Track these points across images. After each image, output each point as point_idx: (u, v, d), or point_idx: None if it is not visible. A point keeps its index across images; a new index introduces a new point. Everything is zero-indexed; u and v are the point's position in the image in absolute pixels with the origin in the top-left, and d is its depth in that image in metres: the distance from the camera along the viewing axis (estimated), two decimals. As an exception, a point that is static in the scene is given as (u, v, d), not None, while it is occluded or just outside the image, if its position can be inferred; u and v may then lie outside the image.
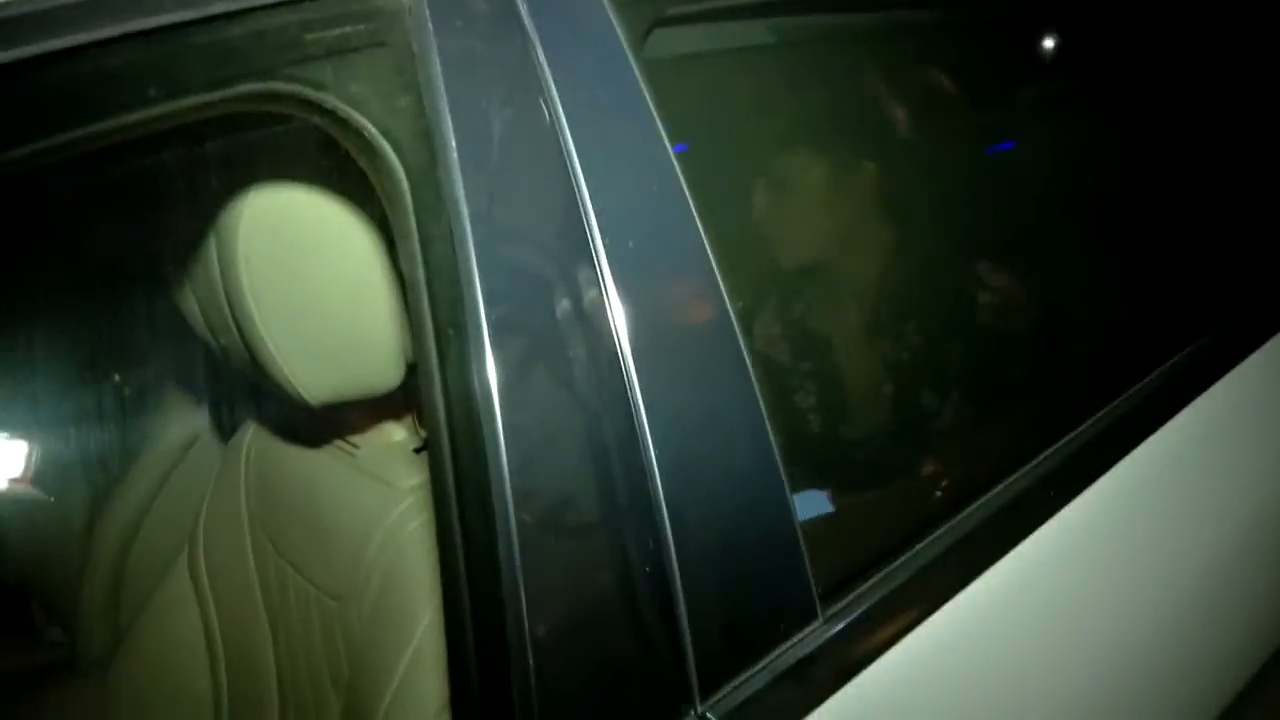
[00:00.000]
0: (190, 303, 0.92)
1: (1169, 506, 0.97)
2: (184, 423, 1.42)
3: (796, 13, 0.87)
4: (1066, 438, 0.94)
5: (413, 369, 0.90)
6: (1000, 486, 0.85)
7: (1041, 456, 0.90)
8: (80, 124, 0.55)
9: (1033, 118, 1.14)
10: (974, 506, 0.83)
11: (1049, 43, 1.19)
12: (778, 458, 0.69)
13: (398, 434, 1.03)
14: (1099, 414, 0.98)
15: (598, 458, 0.63)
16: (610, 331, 0.65)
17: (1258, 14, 1.36)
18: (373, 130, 0.63)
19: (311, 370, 0.84)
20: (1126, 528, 0.91)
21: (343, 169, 0.78)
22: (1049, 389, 1.04)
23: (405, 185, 0.63)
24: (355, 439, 1.03)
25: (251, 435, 1.14)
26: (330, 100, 0.62)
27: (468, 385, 0.60)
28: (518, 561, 0.59)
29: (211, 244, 0.82)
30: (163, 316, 1.33)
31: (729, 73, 0.85)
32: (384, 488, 0.95)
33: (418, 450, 0.99)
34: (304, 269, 0.83)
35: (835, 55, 0.93)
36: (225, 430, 1.32)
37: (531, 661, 0.59)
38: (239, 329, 0.84)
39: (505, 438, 0.60)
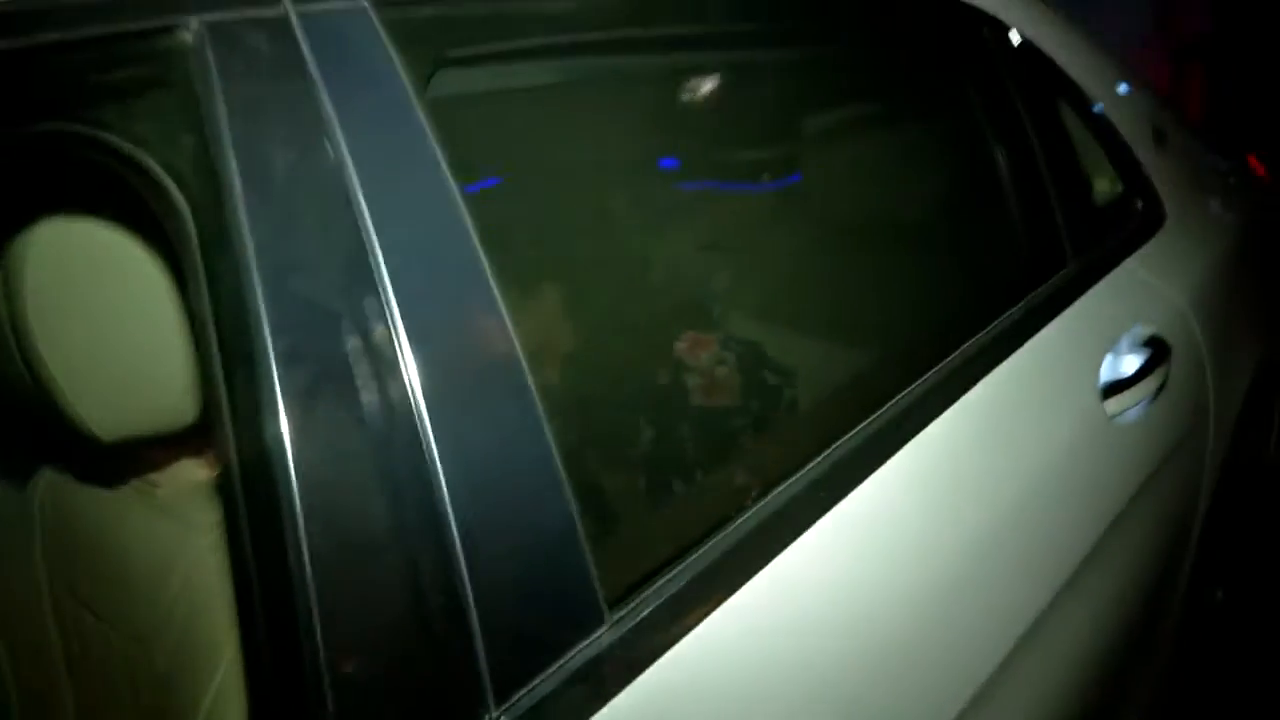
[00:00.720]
0: None
1: (944, 492, 1.07)
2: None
3: (574, 55, 0.93)
4: (852, 430, 1.03)
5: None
6: (775, 491, 0.92)
7: (814, 461, 0.98)
8: None
9: (805, 148, 1.24)
10: (748, 513, 0.90)
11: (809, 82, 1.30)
12: (561, 472, 0.74)
13: (199, 471, 1.02)
14: (886, 404, 1.07)
15: (387, 480, 0.66)
16: (397, 359, 0.68)
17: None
18: (157, 169, 0.65)
19: (102, 405, 0.84)
20: (897, 516, 1.01)
21: (131, 205, 0.78)
22: (823, 395, 1.14)
23: (190, 221, 0.65)
24: (155, 478, 1.02)
25: (46, 479, 1.11)
26: (115, 140, 0.64)
27: (257, 415, 0.62)
28: (311, 586, 0.62)
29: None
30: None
31: (512, 112, 0.90)
32: (184, 526, 0.95)
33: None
34: (93, 303, 0.82)
35: (611, 95, 0.99)
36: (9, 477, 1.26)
37: (328, 681, 0.62)
38: (25, 364, 0.83)
39: (295, 464, 0.62)
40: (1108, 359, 1.40)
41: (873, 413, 1.06)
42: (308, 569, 0.62)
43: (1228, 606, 2.23)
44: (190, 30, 0.67)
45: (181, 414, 0.88)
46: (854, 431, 1.02)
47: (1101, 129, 1.73)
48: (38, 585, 1.09)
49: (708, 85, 1.10)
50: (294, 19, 0.72)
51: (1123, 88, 1.87)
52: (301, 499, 0.62)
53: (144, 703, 0.94)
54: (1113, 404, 1.35)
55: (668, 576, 0.81)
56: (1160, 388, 1.45)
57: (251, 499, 0.63)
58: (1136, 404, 1.39)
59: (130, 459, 1.02)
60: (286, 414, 0.62)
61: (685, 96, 1.08)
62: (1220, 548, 2.03)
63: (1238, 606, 2.26)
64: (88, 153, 0.65)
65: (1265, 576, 2.45)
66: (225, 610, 0.86)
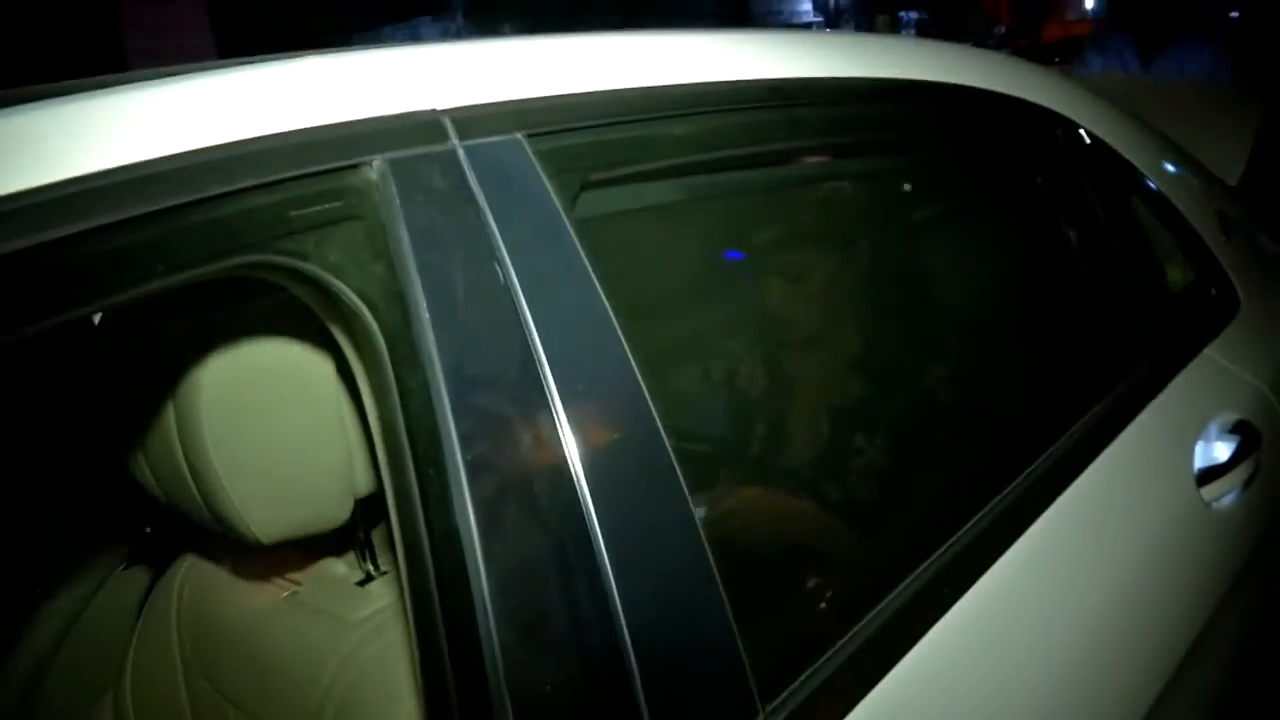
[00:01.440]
0: (139, 459, 0.95)
1: (1055, 588, 1.09)
2: (98, 560, 1.41)
3: (698, 173, 1.00)
4: (961, 530, 1.05)
5: (360, 504, 0.96)
6: (900, 586, 0.95)
7: (944, 548, 1.01)
8: (92, 300, 0.61)
9: (898, 253, 1.29)
10: (880, 606, 0.93)
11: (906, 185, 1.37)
12: (714, 567, 0.78)
13: (339, 569, 1.07)
14: (990, 504, 1.10)
15: (562, 576, 0.71)
16: (567, 464, 0.73)
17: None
18: (351, 295, 0.71)
19: (268, 513, 0.89)
20: (1028, 604, 1.03)
21: (312, 327, 0.85)
22: (950, 484, 1.17)
23: (382, 343, 0.71)
24: (296, 575, 1.07)
25: (185, 571, 1.16)
26: (312, 269, 0.70)
27: (449, 519, 0.67)
28: (503, 678, 0.66)
29: (170, 401, 0.88)
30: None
31: (647, 226, 0.96)
32: (332, 620, 0.99)
33: (361, 583, 1.04)
34: (261, 421, 0.88)
35: (734, 208, 1.06)
36: (145, 566, 1.32)
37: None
38: (194, 478, 0.88)
39: (485, 564, 0.67)
40: (1199, 447, 1.42)
41: (978, 512, 1.09)
42: (499, 660, 0.66)
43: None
44: (373, 167, 0.74)
45: (338, 517, 0.93)
46: (956, 537, 1.05)
47: (1172, 219, 1.77)
48: (176, 674, 1.13)
49: (809, 196, 1.16)
50: (461, 153, 0.79)
51: (1189, 177, 1.92)
52: (490, 594, 0.67)
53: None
54: (1208, 490, 1.37)
55: (815, 666, 0.84)
56: (1254, 473, 1.46)
57: (444, 591, 0.67)
58: (1232, 490, 1.40)
59: (273, 557, 1.07)
60: (475, 516, 0.67)
61: (790, 207, 1.14)
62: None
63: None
64: (284, 281, 0.72)
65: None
66: (381, 702, 0.90)
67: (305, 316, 0.80)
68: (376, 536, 1.09)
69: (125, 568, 1.42)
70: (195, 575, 1.16)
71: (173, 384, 0.88)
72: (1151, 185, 1.75)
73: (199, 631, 1.13)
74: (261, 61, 0.79)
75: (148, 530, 1.34)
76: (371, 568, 1.06)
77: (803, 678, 0.83)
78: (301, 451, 0.90)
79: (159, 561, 1.23)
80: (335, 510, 0.93)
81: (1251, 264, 1.97)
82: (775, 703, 0.80)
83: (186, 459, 0.89)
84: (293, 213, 0.71)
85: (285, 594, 1.05)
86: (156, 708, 1.14)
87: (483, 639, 0.66)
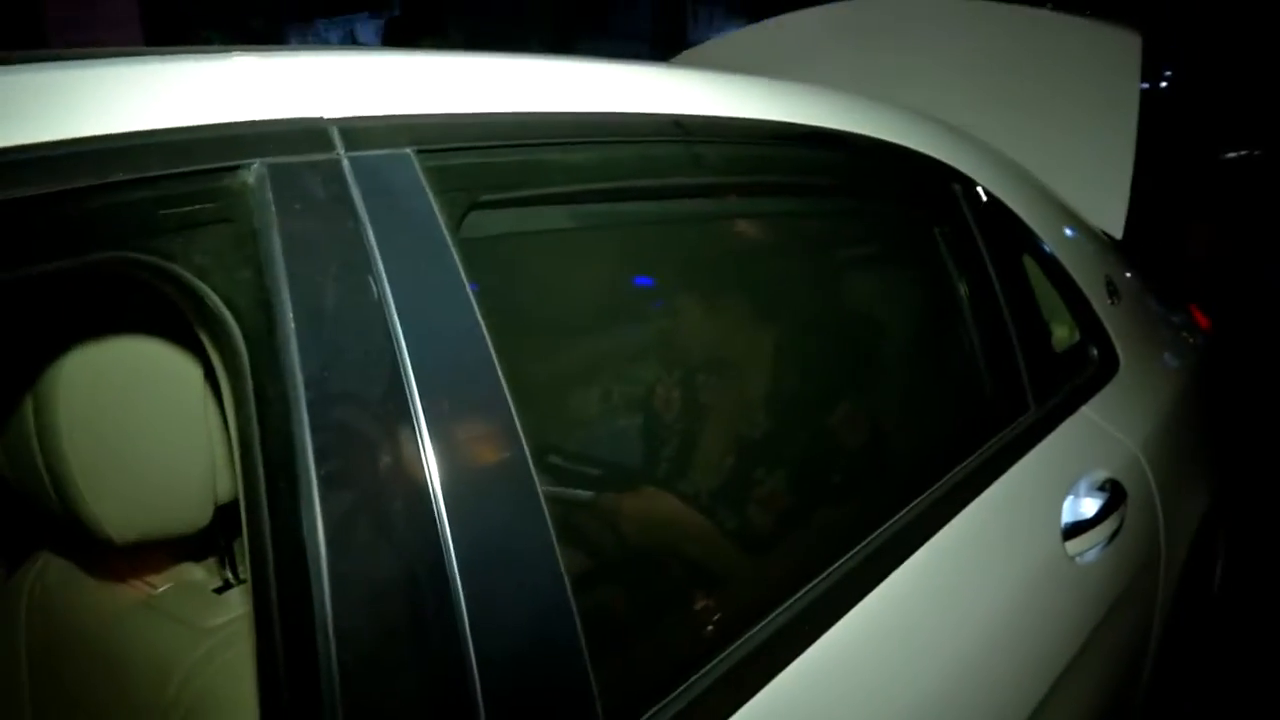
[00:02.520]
0: None
1: (918, 627, 1.12)
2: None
3: (588, 202, 1.01)
4: (829, 566, 1.08)
5: (220, 511, 0.94)
6: (758, 626, 0.96)
7: (793, 597, 1.03)
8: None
9: (786, 294, 1.32)
10: (734, 645, 0.94)
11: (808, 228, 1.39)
12: (570, 593, 0.78)
13: (198, 574, 1.05)
14: (859, 543, 1.13)
15: (416, 603, 0.70)
16: (426, 484, 0.73)
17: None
18: (216, 299, 0.70)
19: (122, 512, 0.87)
20: (890, 642, 1.05)
21: (176, 329, 0.83)
22: (820, 520, 1.19)
23: (244, 350, 0.69)
24: (153, 579, 1.04)
25: (38, 568, 1.12)
26: (178, 270, 0.69)
27: (296, 532, 0.66)
28: (338, 691, 0.65)
29: (29, 393, 0.85)
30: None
31: (535, 251, 0.96)
32: (184, 627, 0.97)
33: (219, 590, 1.02)
34: (123, 418, 0.86)
35: (625, 239, 1.07)
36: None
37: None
38: (49, 472, 0.86)
39: (329, 580, 0.66)
40: (1068, 501, 1.47)
41: (847, 552, 1.11)
42: (335, 672, 0.65)
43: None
44: (251, 171, 0.73)
45: (196, 521, 0.91)
46: (828, 571, 1.07)
47: (1061, 280, 1.84)
48: (20, 672, 1.09)
49: (701, 232, 1.18)
50: (346, 163, 0.78)
51: (1081, 240, 2.00)
52: (333, 611, 0.66)
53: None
54: (1073, 545, 1.41)
55: (667, 699, 0.84)
56: (1118, 530, 1.52)
57: (285, 606, 0.66)
58: (1095, 545, 1.45)
59: (131, 559, 1.04)
60: (324, 531, 0.67)
61: (682, 242, 1.15)
62: (1172, 684, 2.09)
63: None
64: (148, 279, 0.70)
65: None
66: (228, 713, 0.88)
67: (176, 318, 0.79)
68: (239, 544, 1.06)
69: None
70: (48, 573, 1.12)
71: (33, 375, 0.85)
72: (1045, 246, 1.82)
73: (49, 630, 1.09)
74: (148, 56, 0.77)
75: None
76: (230, 575, 1.03)
77: (651, 712, 0.83)
78: (162, 453, 0.88)
79: (11, 558, 1.18)
80: (194, 515, 0.91)
81: (1135, 328, 2.06)
82: (621, 733, 0.80)
83: (42, 452, 0.86)
84: (163, 211, 0.69)
85: (140, 597, 1.02)
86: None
87: (321, 655, 0.65)
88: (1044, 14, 2.61)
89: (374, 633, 0.68)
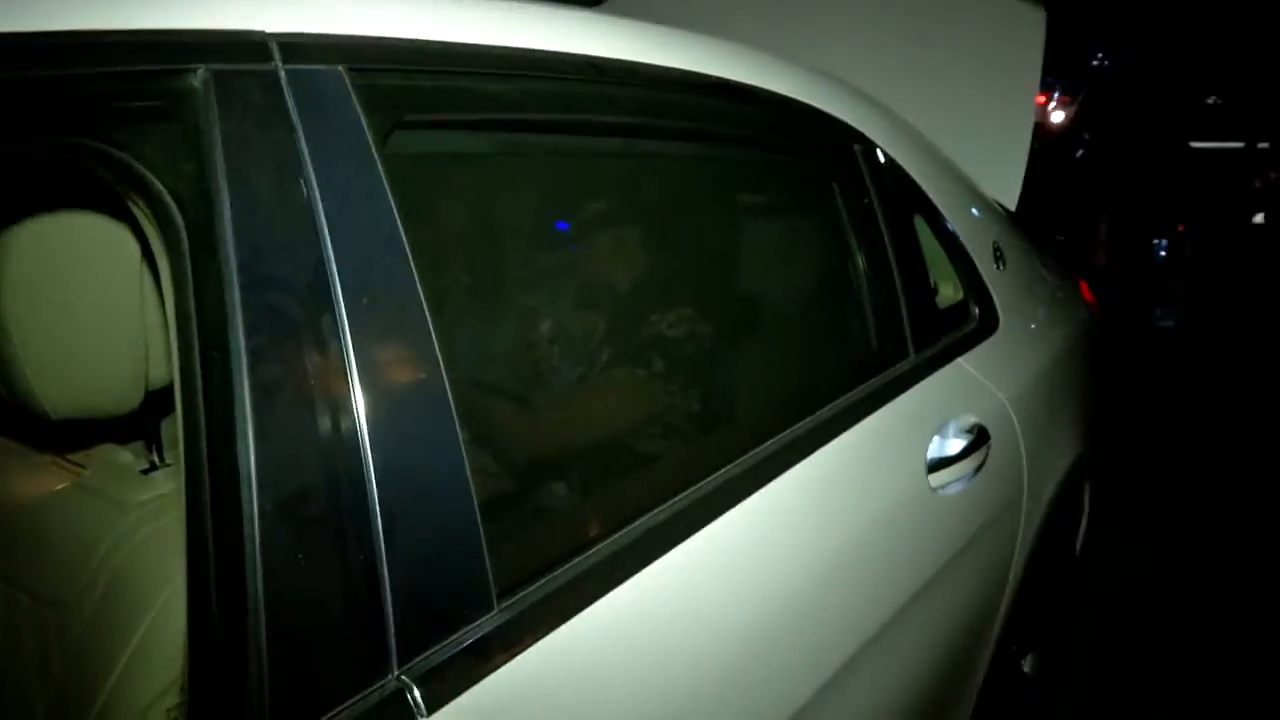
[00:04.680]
0: None
1: (780, 534, 1.24)
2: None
3: (504, 130, 1.10)
4: (707, 477, 1.19)
5: (149, 397, 1.02)
6: (638, 521, 1.08)
7: (677, 497, 1.14)
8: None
9: (689, 230, 1.43)
10: (614, 536, 1.05)
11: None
12: (470, 483, 0.88)
13: (125, 456, 1.12)
14: (725, 465, 1.25)
15: (329, 466, 0.80)
16: (345, 367, 0.82)
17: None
18: (159, 187, 0.77)
19: (59, 388, 0.94)
20: (739, 554, 1.18)
21: (119, 215, 0.90)
22: (690, 440, 1.31)
23: (185, 235, 0.77)
24: (81, 458, 1.11)
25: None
26: (126, 159, 0.76)
27: (229, 400, 0.75)
28: (258, 552, 0.74)
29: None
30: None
31: (450, 170, 1.05)
32: (111, 503, 1.04)
33: (145, 471, 1.09)
34: (64, 296, 0.93)
35: (534, 167, 1.16)
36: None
37: (264, 634, 0.74)
38: None
39: (255, 447, 0.75)
40: (935, 439, 1.62)
41: (729, 462, 1.24)
42: (257, 536, 0.74)
43: (1035, 677, 2.48)
44: (197, 75, 0.80)
45: (127, 402, 0.98)
46: (712, 476, 1.19)
47: (949, 242, 1.98)
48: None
49: (606, 166, 1.28)
50: (282, 74, 0.86)
51: (972, 208, 2.15)
52: (257, 474, 0.75)
53: (55, 666, 1.02)
54: (935, 478, 1.56)
55: (548, 578, 0.95)
56: (978, 468, 1.67)
57: (214, 473, 0.75)
58: (956, 480, 1.60)
59: (61, 440, 1.11)
60: (251, 400, 0.75)
61: (585, 174, 1.25)
62: (1030, 623, 2.28)
63: (1042, 678, 2.52)
64: (96, 166, 0.78)
65: (1061, 654, 2.73)
66: (150, 579, 0.96)
67: (117, 208, 0.86)
68: (166, 428, 1.13)
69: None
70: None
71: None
72: (937, 210, 1.96)
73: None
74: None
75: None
76: (156, 458, 1.11)
77: (538, 583, 0.94)
78: (98, 334, 0.95)
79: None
80: (126, 395, 0.98)
81: (1018, 293, 2.22)
82: (509, 601, 0.91)
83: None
84: (116, 104, 0.77)
85: (71, 477, 1.10)
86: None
87: (244, 519, 0.74)
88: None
89: (293, 498, 0.77)
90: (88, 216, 0.92)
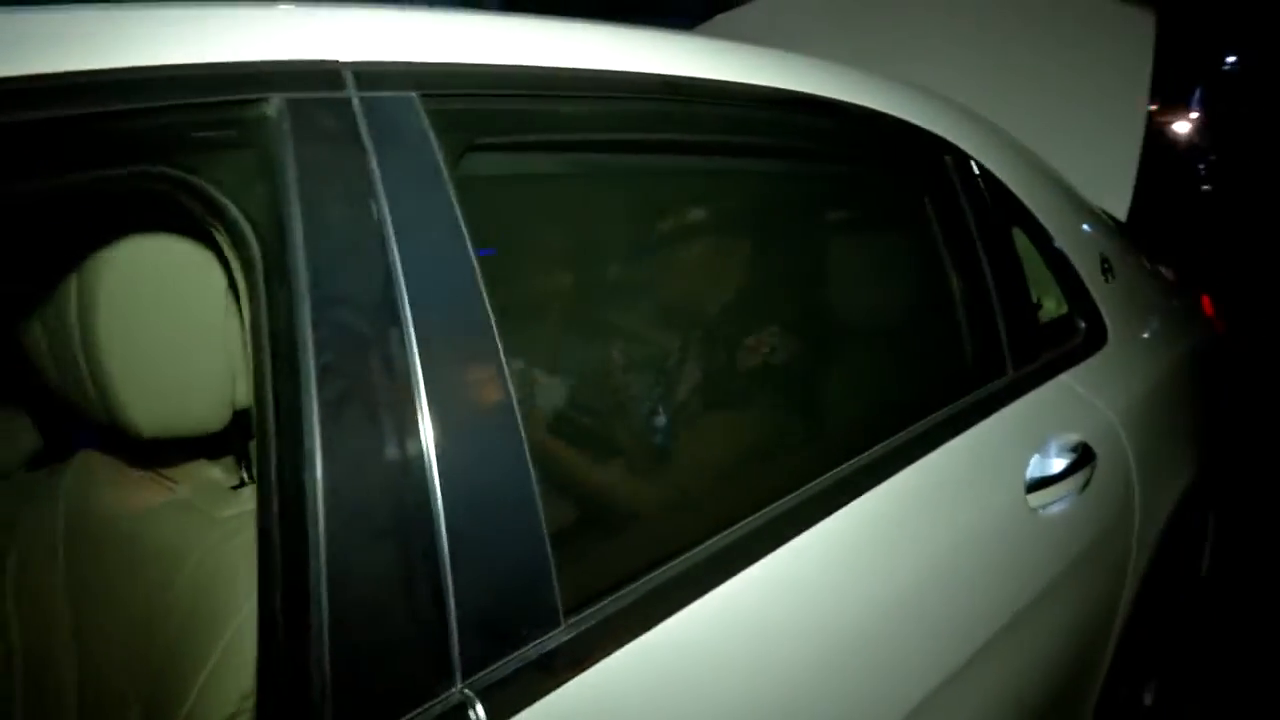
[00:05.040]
0: (37, 337, 1.04)
1: (872, 551, 1.21)
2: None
3: (579, 150, 1.11)
4: (786, 496, 1.18)
5: (239, 414, 1.06)
6: (720, 535, 1.07)
7: (760, 512, 1.13)
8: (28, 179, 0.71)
9: (782, 251, 1.41)
10: (692, 552, 1.04)
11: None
12: (537, 499, 0.89)
13: (216, 473, 1.16)
14: (818, 478, 1.22)
15: (396, 482, 0.81)
16: (412, 386, 0.83)
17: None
18: (236, 212, 0.80)
19: (151, 408, 0.98)
20: (831, 566, 1.15)
21: (203, 239, 0.94)
22: (780, 453, 1.29)
23: (258, 256, 0.80)
24: (175, 474, 1.16)
25: (74, 469, 1.24)
26: (204, 185, 0.80)
27: (296, 418, 0.77)
28: (324, 567, 0.76)
29: (73, 284, 0.96)
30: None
31: (525, 193, 1.07)
32: (201, 515, 1.08)
33: (235, 487, 1.13)
34: (154, 318, 0.97)
35: (611, 188, 1.17)
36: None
37: (330, 648, 0.76)
38: (87, 364, 0.97)
39: (323, 465, 0.77)
40: (1035, 458, 1.56)
41: (821, 475, 1.21)
42: (323, 549, 0.76)
43: (1156, 708, 2.36)
44: (271, 104, 0.83)
45: (215, 421, 1.02)
46: (788, 496, 1.17)
47: (1052, 255, 1.92)
48: (55, 556, 1.21)
49: (685, 188, 1.27)
50: (356, 101, 0.89)
51: (1077, 219, 2.07)
52: (325, 492, 0.77)
53: (146, 663, 1.06)
54: (1035, 497, 1.50)
55: (615, 596, 0.95)
56: (1083, 488, 1.60)
57: (283, 488, 0.77)
58: (1058, 500, 1.54)
59: (156, 457, 1.16)
60: (320, 418, 0.77)
61: (664, 195, 1.25)
62: (1150, 651, 2.17)
63: (1166, 710, 2.39)
64: (180, 193, 0.81)
65: (1192, 685, 2.58)
66: (237, 586, 0.99)
67: (202, 233, 0.90)
68: (253, 447, 1.17)
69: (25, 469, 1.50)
70: (84, 472, 1.24)
71: (76, 276, 0.97)
72: (1037, 220, 1.90)
73: (83, 523, 1.21)
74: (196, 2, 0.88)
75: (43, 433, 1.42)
76: (245, 475, 1.15)
77: (605, 601, 0.94)
78: (187, 355, 0.99)
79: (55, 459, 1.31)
80: (215, 414, 1.02)
81: (1128, 306, 2.13)
82: (576, 618, 0.91)
83: (85, 353, 0.98)
84: (195, 134, 0.81)
85: (164, 493, 1.14)
86: (33, 588, 1.23)
87: (311, 535, 0.75)
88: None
89: (360, 515, 0.79)
90: (176, 241, 0.97)
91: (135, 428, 0.99)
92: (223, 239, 0.84)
